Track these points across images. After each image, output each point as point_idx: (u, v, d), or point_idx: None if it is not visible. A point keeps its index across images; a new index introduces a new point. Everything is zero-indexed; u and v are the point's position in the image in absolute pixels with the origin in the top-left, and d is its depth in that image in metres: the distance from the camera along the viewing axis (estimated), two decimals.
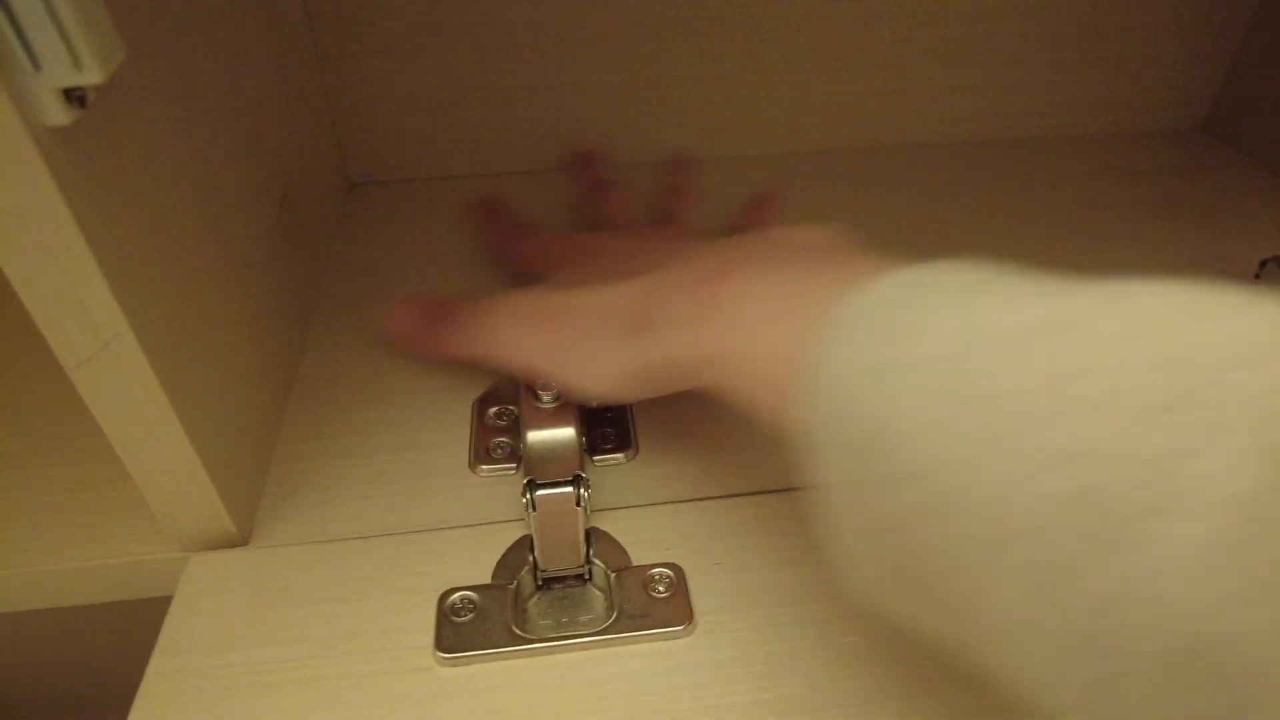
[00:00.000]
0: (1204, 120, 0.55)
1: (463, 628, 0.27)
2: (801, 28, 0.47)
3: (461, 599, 0.28)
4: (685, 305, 0.25)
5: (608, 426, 0.34)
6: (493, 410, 0.34)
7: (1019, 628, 0.15)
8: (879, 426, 0.18)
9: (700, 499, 0.31)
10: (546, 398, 0.30)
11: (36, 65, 0.18)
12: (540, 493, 0.27)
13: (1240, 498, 0.12)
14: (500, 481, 0.32)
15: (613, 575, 0.28)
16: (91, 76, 0.18)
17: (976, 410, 0.16)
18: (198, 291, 0.27)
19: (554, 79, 0.47)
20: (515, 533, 0.30)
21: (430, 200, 0.48)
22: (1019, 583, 0.15)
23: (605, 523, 0.30)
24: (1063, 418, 0.14)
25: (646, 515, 0.31)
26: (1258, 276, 0.39)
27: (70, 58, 0.18)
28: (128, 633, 0.31)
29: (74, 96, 0.19)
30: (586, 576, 0.29)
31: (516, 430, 0.31)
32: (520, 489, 0.28)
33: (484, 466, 0.32)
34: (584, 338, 0.28)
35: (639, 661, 0.26)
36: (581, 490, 0.28)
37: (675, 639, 0.27)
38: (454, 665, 0.26)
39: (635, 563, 0.29)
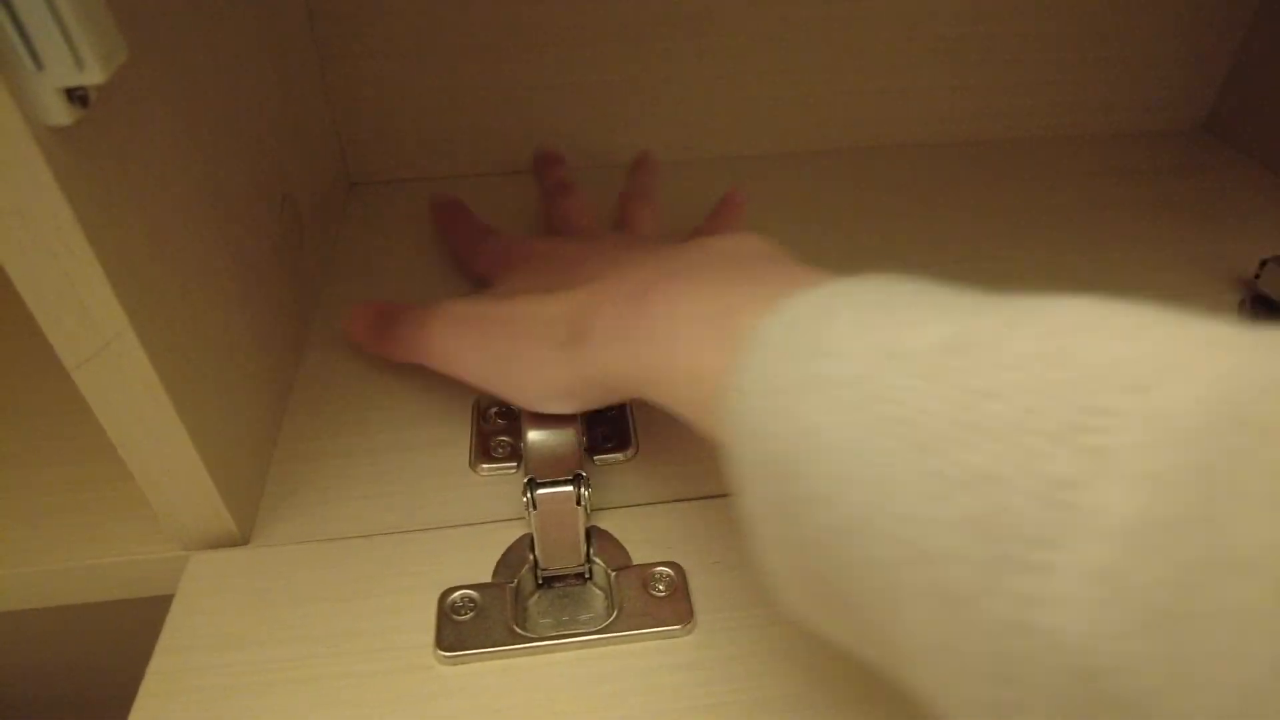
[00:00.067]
0: (1204, 120, 0.55)
1: (463, 626, 0.27)
2: (801, 28, 0.47)
3: (462, 598, 0.28)
4: (616, 319, 0.25)
5: (608, 425, 0.34)
6: (493, 409, 0.34)
7: (928, 650, 0.15)
8: (792, 447, 0.18)
9: (700, 498, 0.31)
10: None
11: (39, 65, 0.18)
12: (540, 492, 0.27)
13: (1125, 527, 0.12)
14: (501, 480, 0.32)
15: (613, 574, 0.28)
16: (93, 76, 0.18)
17: (885, 431, 0.16)
18: (199, 291, 0.27)
19: (554, 79, 0.47)
20: (516, 532, 0.30)
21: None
22: (927, 606, 0.15)
23: (605, 522, 0.30)
24: (965, 441, 0.14)
25: (646, 514, 0.31)
26: (1257, 276, 0.39)
27: (72, 57, 0.18)
28: (128, 632, 0.31)
29: (76, 96, 0.19)
30: (587, 575, 0.29)
31: (517, 429, 0.31)
32: (520, 488, 0.28)
33: (484, 465, 0.32)
34: (520, 349, 0.28)
35: (639, 660, 0.26)
36: (582, 489, 0.28)
37: (675, 638, 0.27)
38: (454, 664, 0.26)
39: (635, 562, 0.29)
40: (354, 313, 0.36)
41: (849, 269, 0.21)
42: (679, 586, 0.28)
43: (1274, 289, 0.39)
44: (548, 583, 0.29)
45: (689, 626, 0.27)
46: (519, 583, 0.28)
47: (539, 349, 0.28)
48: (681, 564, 0.29)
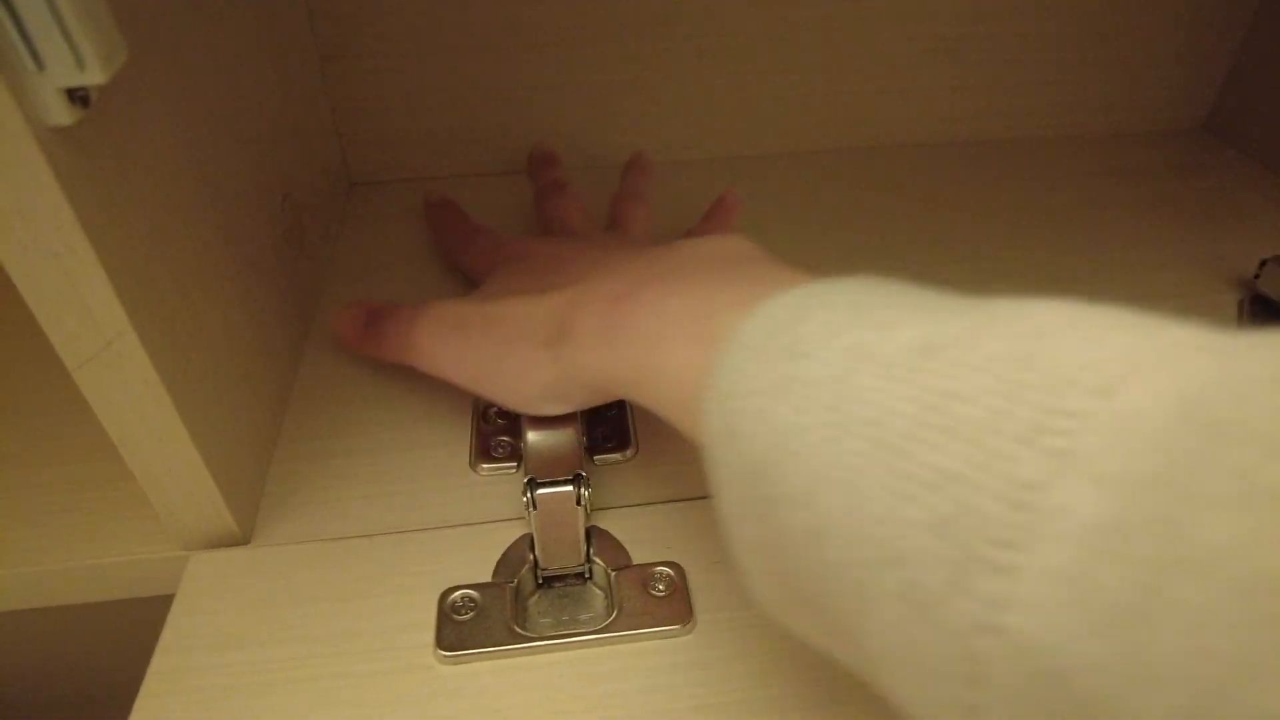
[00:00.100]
0: (1204, 120, 0.55)
1: (463, 626, 0.27)
2: (801, 28, 0.47)
3: (462, 597, 0.28)
4: (599, 320, 0.25)
5: (608, 425, 0.34)
6: (493, 409, 0.34)
7: (898, 652, 0.15)
8: (767, 448, 0.18)
9: (700, 498, 0.31)
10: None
11: (40, 65, 0.18)
12: (541, 492, 0.27)
13: (1086, 529, 0.12)
14: (501, 480, 0.32)
15: (613, 574, 0.28)
16: (94, 76, 0.18)
17: (857, 433, 0.16)
18: (200, 291, 0.27)
19: (554, 79, 0.47)
20: (516, 531, 0.30)
21: None
22: (896, 607, 0.15)
23: (605, 521, 0.30)
24: (934, 442, 0.14)
25: (646, 514, 0.31)
26: (1257, 276, 0.39)
27: (73, 57, 0.18)
28: (129, 632, 0.31)
29: (77, 96, 0.19)
30: (587, 575, 0.29)
31: (517, 429, 0.31)
32: (521, 488, 0.28)
33: (485, 465, 0.32)
34: (506, 350, 0.28)
35: (639, 660, 0.26)
36: (582, 489, 0.28)
37: (675, 637, 0.27)
38: (455, 663, 0.26)
39: (635, 561, 0.29)
40: (341, 313, 0.36)
41: (849, 269, 0.21)
42: (679, 586, 0.28)
43: (1274, 289, 0.39)
44: (548, 582, 0.29)
45: (689, 626, 0.27)
46: (519, 582, 0.28)
47: (524, 350, 0.28)
48: (681, 564, 0.29)
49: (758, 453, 0.18)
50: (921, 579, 0.14)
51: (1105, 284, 0.42)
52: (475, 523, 0.30)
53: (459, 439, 0.33)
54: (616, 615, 0.27)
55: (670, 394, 0.23)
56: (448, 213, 0.43)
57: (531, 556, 0.29)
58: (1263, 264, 0.39)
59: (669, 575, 0.28)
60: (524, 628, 0.27)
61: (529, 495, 0.27)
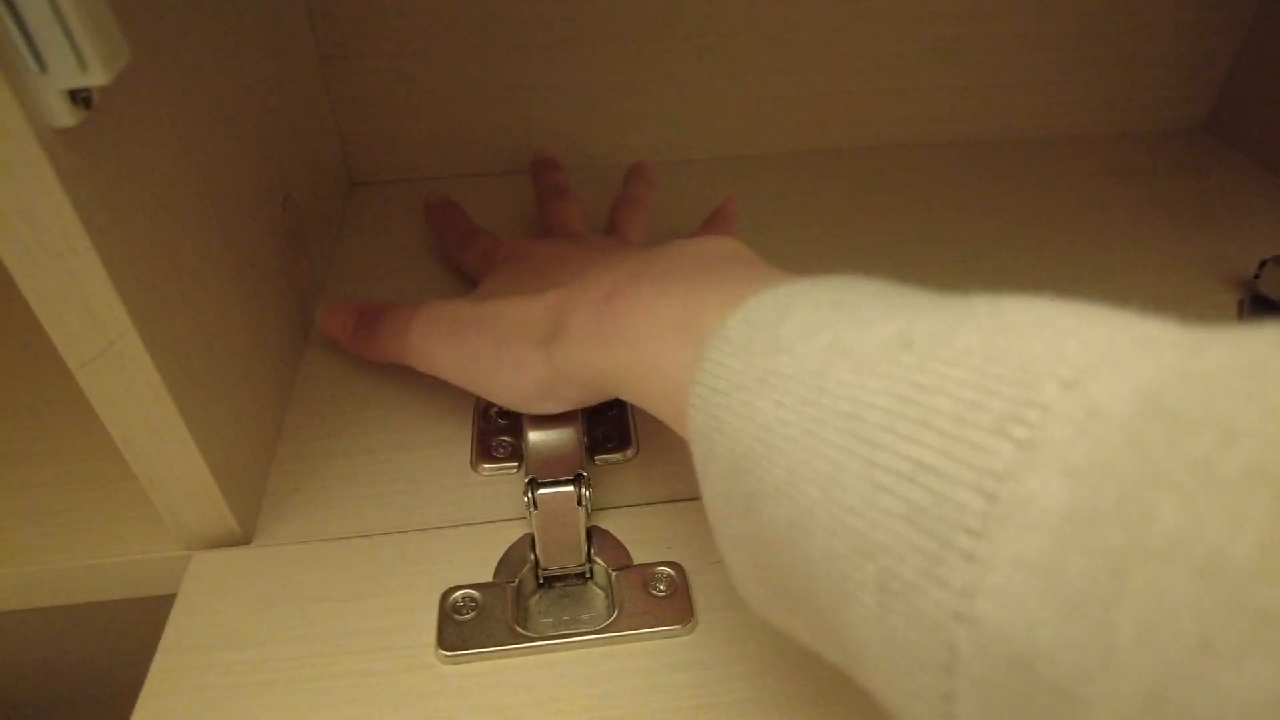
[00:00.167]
0: (1204, 120, 0.55)
1: (465, 626, 0.27)
2: (801, 28, 0.47)
3: (463, 597, 0.28)
4: (590, 319, 0.26)
5: (608, 425, 0.34)
6: (494, 409, 0.34)
7: (876, 643, 0.15)
8: (749, 442, 0.18)
9: (700, 498, 0.31)
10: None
11: (42, 66, 0.18)
12: (542, 492, 0.27)
13: (1051, 517, 0.12)
14: (502, 480, 0.32)
15: (614, 574, 0.28)
16: (97, 78, 0.18)
17: (835, 426, 0.16)
18: (201, 291, 0.27)
19: (554, 79, 0.47)
20: (517, 531, 0.30)
21: None
22: (873, 598, 0.15)
23: (606, 521, 0.30)
24: (909, 435, 0.15)
25: (647, 514, 0.31)
26: (1257, 277, 0.39)
27: (76, 59, 0.18)
28: (131, 631, 0.31)
29: (79, 98, 0.19)
30: (587, 575, 0.29)
31: (518, 429, 0.31)
32: (522, 488, 0.28)
33: (486, 465, 0.32)
34: (499, 349, 0.28)
35: (640, 659, 0.26)
36: (583, 489, 0.28)
37: (676, 637, 0.27)
38: (456, 663, 0.26)
39: (636, 561, 0.29)
40: (329, 312, 0.36)
41: (848, 269, 0.21)
42: (679, 586, 0.28)
43: (1274, 289, 0.39)
44: (549, 582, 0.29)
45: (689, 626, 0.27)
46: (520, 582, 0.28)
47: (519, 348, 0.28)
48: (682, 564, 0.29)
49: (741, 447, 0.18)
50: (898, 569, 0.14)
51: (1105, 284, 0.42)
52: (476, 523, 0.30)
53: (460, 439, 0.34)
54: (617, 615, 0.27)
55: (660, 391, 0.23)
56: (448, 213, 0.43)
57: (532, 556, 0.29)
58: (1262, 264, 0.39)
59: (670, 575, 0.28)
60: (525, 627, 0.27)
61: (530, 495, 0.27)
